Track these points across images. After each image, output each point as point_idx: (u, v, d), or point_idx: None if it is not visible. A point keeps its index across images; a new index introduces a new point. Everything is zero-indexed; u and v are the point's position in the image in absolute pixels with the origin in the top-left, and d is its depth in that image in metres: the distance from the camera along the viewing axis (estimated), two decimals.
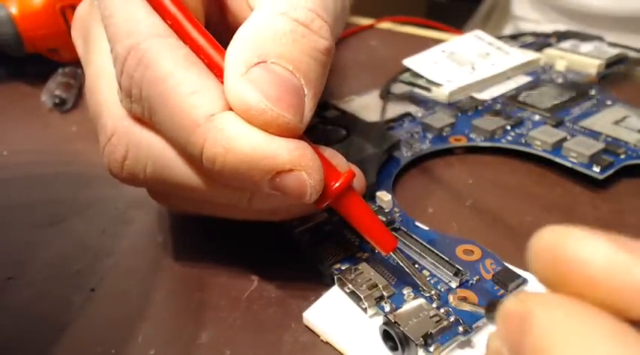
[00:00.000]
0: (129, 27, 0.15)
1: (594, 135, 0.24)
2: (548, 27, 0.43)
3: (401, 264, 0.17)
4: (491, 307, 0.13)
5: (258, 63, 0.14)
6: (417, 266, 0.18)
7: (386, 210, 0.21)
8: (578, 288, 0.09)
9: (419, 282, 0.17)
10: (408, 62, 0.32)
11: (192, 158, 0.15)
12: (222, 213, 0.18)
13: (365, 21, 0.46)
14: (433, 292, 0.16)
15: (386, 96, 0.29)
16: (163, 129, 0.16)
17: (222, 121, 0.14)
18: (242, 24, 0.15)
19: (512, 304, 0.10)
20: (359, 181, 0.18)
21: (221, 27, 0.20)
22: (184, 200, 0.18)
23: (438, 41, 0.35)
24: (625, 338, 0.08)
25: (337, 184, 0.16)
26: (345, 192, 0.16)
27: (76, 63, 0.37)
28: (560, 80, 0.31)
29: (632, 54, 0.33)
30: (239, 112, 0.14)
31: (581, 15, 0.45)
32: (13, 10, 0.33)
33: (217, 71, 0.15)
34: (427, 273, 0.17)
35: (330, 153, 0.17)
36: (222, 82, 0.15)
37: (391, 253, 0.17)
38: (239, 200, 0.17)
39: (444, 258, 0.18)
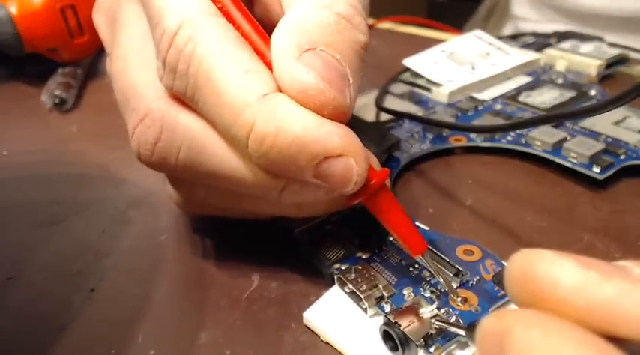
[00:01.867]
0: (179, 2, 0.15)
1: (594, 135, 0.24)
2: (547, 27, 0.43)
3: (429, 268, 0.17)
4: (471, 327, 0.14)
5: (309, 49, 0.14)
6: (417, 265, 0.18)
7: None
8: (550, 308, 0.09)
9: (447, 288, 0.16)
10: (408, 62, 0.32)
11: (235, 140, 0.15)
12: (247, 207, 0.18)
13: None
14: (459, 299, 0.16)
15: (381, 102, 0.29)
16: (207, 108, 0.15)
17: (275, 101, 0.14)
18: (272, 17, 0.16)
19: (491, 322, 0.10)
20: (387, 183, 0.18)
21: None
22: (210, 191, 0.18)
23: (438, 41, 0.35)
24: (601, 350, 0.08)
25: (375, 181, 0.16)
26: (381, 190, 0.16)
27: (76, 63, 0.37)
28: (560, 80, 0.31)
29: (632, 54, 0.33)
30: (294, 93, 0.14)
31: (579, 15, 0.45)
32: (13, 10, 0.33)
33: (263, 58, 0.15)
34: (427, 273, 0.17)
35: (367, 152, 0.17)
36: (269, 68, 0.15)
37: (420, 256, 0.17)
38: (272, 191, 0.16)
39: (444, 259, 0.18)
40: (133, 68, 0.17)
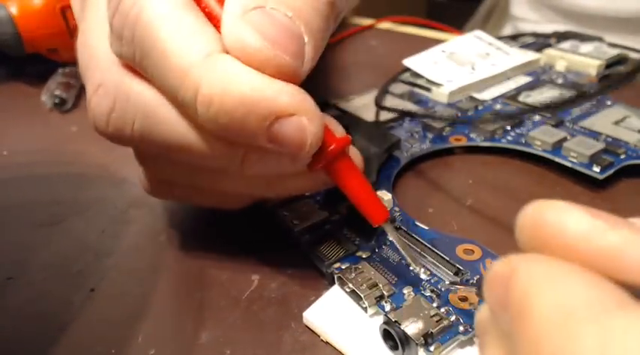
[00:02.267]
0: None
1: (594, 135, 0.24)
2: (546, 27, 0.43)
3: (391, 238, 0.17)
4: (481, 284, 0.13)
5: (257, 7, 0.14)
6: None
7: None
8: (557, 253, 0.10)
9: (410, 262, 0.16)
10: (408, 62, 0.32)
11: (185, 106, 0.15)
12: (214, 184, 0.17)
13: (365, 21, 0.46)
14: (422, 270, 0.16)
15: (381, 102, 0.29)
16: (155, 74, 0.15)
17: (220, 61, 0.14)
18: None
19: (498, 266, 0.10)
20: (356, 157, 0.17)
21: None
22: (175, 168, 0.17)
23: (438, 41, 0.35)
24: (600, 283, 0.09)
25: (333, 146, 0.15)
26: (340, 157, 0.16)
27: (76, 63, 0.37)
28: (560, 80, 0.31)
29: (632, 54, 0.33)
30: (236, 53, 0.14)
31: (578, 15, 0.45)
32: (13, 10, 0.33)
33: (216, 22, 0.15)
34: (428, 273, 0.17)
35: (328, 119, 0.16)
36: (220, 31, 0.14)
37: (383, 225, 0.16)
38: (231, 161, 0.16)
39: (444, 258, 0.18)
40: (93, 40, 0.17)
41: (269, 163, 0.16)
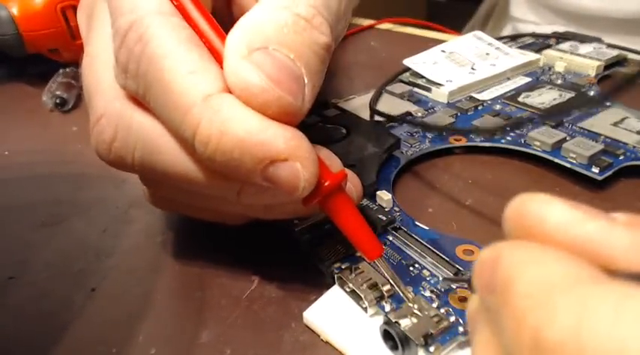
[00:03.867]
0: (133, 1, 0.15)
1: (593, 136, 0.24)
2: (545, 28, 0.43)
3: (383, 273, 0.17)
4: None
5: (260, 48, 0.14)
6: (416, 265, 0.18)
7: (386, 210, 0.21)
8: (539, 242, 0.11)
9: (401, 293, 0.16)
10: (409, 62, 0.32)
11: (185, 141, 0.15)
12: (213, 206, 0.18)
13: (365, 21, 0.46)
14: (416, 306, 0.16)
15: (376, 104, 0.29)
16: (157, 108, 0.15)
17: (219, 102, 0.14)
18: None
19: (485, 252, 0.11)
20: (355, 187, 0.18)
21: (227, 19, 0.19)
22: (174, 189, 0.18)
23: (438, 41, 0.35)
24: (576, 261, 0.10)
25: (327, 183, 0.15)
26: (335, 192, 0.16)
27: (77, 63, 0.37)
28: (559, 81, 0.31)
29: (630, 55, 0.33)
30: (238, 92, 0.14)
31: (577, 16, 0.45)
32: (14, 10, 0.33)
33: (218, 57, 0.15)
34: (427, 273, 0.18)
35: (325, 153, 0.17)
36: (222, 67, 0.15)
37: (375, 261, 0.16)
38: (228, 192, 0.16)
39: (444, 258, 0.18)
40: (99, 67, 0.17)
41: (265, 196, 0.16)
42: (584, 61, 0.31)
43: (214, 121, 0.14)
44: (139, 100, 0.16)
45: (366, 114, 0.27)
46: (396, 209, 0.21)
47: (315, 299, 0.17)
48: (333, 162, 0.17)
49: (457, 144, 0.26)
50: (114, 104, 0.16)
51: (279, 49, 0.14)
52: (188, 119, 0.14)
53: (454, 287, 0.17)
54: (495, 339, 0.11)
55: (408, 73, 0.32)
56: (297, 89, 0.14)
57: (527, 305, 0.09)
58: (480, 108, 0.28)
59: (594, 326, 0.08)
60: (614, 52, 0.32)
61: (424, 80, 0.30)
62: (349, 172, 0.17)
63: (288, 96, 0.14)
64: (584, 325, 0.08)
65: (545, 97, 0.28)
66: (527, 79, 0.31)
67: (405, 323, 0.15)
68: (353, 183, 0.18)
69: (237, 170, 0.15)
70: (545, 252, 0.10)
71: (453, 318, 0.16)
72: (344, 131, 0.25)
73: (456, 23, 0.48)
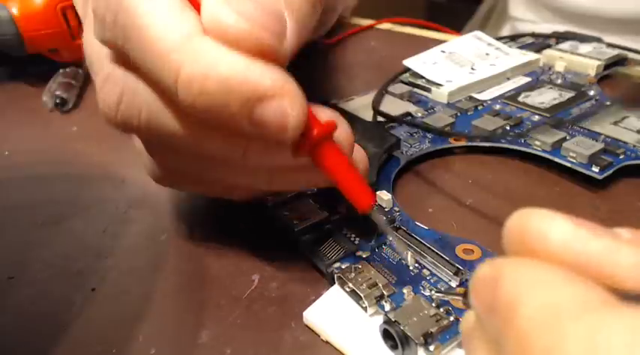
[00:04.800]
0: None
1: (593, 135, 0.24)
2: (544, 27, 0.43)
3: (378, 226, 0.16)
4: (467, 293, 0.14)
5: None
6: (416, 265, 0.18)
7: (386, 210, 0.21)
8: (541, 260, 0.10)
9: (397, 246, 0.16)
10: (408, 62, 0.32)
11: (167, 91, 0.15)
12: (220, 174, 0.18)
13: (365, 22, 0.46)
14: (410, 257, 0.16)
15: (379, 103, 0.29)
16: (137, 59, 0.15)
17: (200, 43, 0.14)
18: None
19: (484, 269, 0.11)
20: (346, 136, 0.17)
21: None
22: (180, 156, 0.17)
23: (437, 42, 0.35)
24: (584, 283, 0.09)
25: (317, 131, 0.15)
26: (324, 141, 0.15)
27: (77, 63, 0.37)
28: (559, 81, 0.31)
29: (630, 55, 0.33)
30: (213, 32, 0.14)
31: (575, 15, 0.45)
32: (14, 10, 0.33)
33: (197, 6, 0.15)
34: (427, 272, 0.18)
35: (314, 105, 0.16)
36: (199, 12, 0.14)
37: (370, 215, 0.16)
38: (233, 151, 0.16)
39: (444, 258, 0.18)
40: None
41: (271, 154, 0.16)
42: (584, 60, 0.31)
43: (196, 63, 0.13)
44: (120, 56, 0.16)
45: (366, 115, 0.27)
46: (396, 209, 0.21)
47: (315, 299, 0.17)
48: (323, 114, 0.16)
49: (457, 144, 0.26)
50: (119, 67, 0.16)
51: None
52: (169, 65, 0.14)
53: (454, 286, 0.17)
54: None
55: (407, 74, 0.32)
56: (277, 27, 0.14)
57: (533, 329, 0.09)
58: (479, 108, 0.28)
59: (608, 352, 0.08)
60: (614, 52, 0.32)
61: (424, 80, 0.30)
62: (342, 122, 0.17)
63: (264, 34, 0.14)
64: (597, 351, 0.08)
65: (545, 97, 0.28)
66: (527, 79, 0.31)
67: (405, 322, 0.15)
68: (343, 135, 0.17)
69: (221, 115, 0.14)
70: (551, 272, 0.10)
71: (452, 317, 0.16)
72: None
73: (456, 23, 0.48)
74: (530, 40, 0.37)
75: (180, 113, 0.15)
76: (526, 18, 0.50)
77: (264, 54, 0.14)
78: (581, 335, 0.08)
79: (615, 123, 0.25)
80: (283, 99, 0.14)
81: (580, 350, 0.08)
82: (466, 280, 0.17)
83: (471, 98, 0.29)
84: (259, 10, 0.14)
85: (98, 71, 0.17)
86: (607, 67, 0.32)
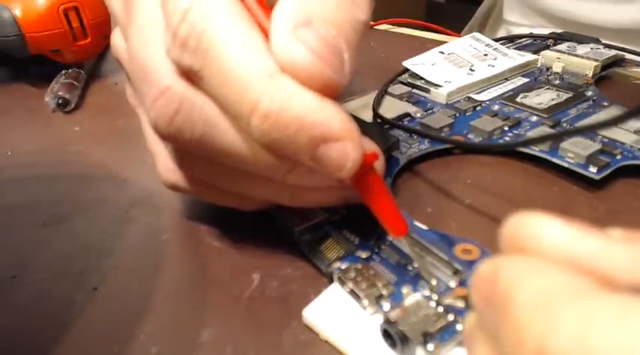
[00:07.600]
0: None
1: (591, 135, 0.25)
2: (539, 31, 0.43)
3: (409, 251, 0.17)
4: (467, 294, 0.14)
5: (305, 23, 0.15)
6: (416, 265, 0.18)
7: None
8: None
9: (422, 272, 0.17)
10: (408, 63, 0.32)
11: (238, 118, 0.15)
12: (243, 188, 0.18)
13: None
14: (435, 282, 0.16)
15: (379, 104, 0.29)
16: (212, 84, 0.15)
17: (281, 81, 0.15)
18: None
19: (484, 266, 0.11)
20: (380, 164, 0.18)
21: None
22: (211, 168, 0.18)
23: (436, 43, 0.35)
24: (576, 273, 0.10)
25: (365, 162, 0.16)
26: (368, 171, 0.16)
27: (79, 64, 0.37)
28: (556, 81, 0.31)
29: (627, 56, 0.33)
30: (285, 66, 0.15)
31: (570, 24, 0.45)
32: (17, 11, 0.33)
33: (264, 32, 0.16)
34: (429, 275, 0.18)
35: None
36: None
37: (402, 239, 0.17)
38: (279, 171, 0.17)
39: (442, 258, 0.18)
40: (153, 42, 0.17)
41: (314, 176, 0.17)
42: (581, 61, 0.32)
43: (276, 98, 0.14)
44: (191, 76, 0.16)
45: (366, 115, 0.28)
46: None
47: (315, 298, 0.18)
48: (366, 143, 0.17)
49: (456, 144, 0.26)
50: (178, 79, 0.16)
51: (322, 25, 0.15)
52: (248, 96, 0.15)
53: (453, 285, 0.17)
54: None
55: (406, 74, 0.32)
56: (339, 65, 0.15)
57: (529, 316, 0.09)
58: (478, 108, 0.28)
59: (600, 334, 0.08)
60: (612, 53, 0.33)
61: (423, 81, 0.31)
62: (379, 151, 0.18)
63: (331, 72, 0.15)
64: (590, 334, 0.08)
65: (543, 97, 0.29)
66: (525, 80, 0.31)
67: (404, 322, 0.15)
68: (381, 163, 0.18)
69: (287, 147, 0.15)
70: (544, 263, 0.10)
71: (451, 317, 0.16)
72: None
73: (455, 24, 0.48)
74: (528, 41, 0.37)
75: (240, 135, 0.16)
76: (520, 23, 0.50)
77: (327, 90, 0.15)
78: (574, 316, 0.08)
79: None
80: (346, 143, 0.15)
81: (574, 331, 0.08)
82: (465, 280, 0.17)
83: (469, 99, 0.29)
84: (326, 47, 0.15)
85: (154, 81, 0.17)
86: (604, 67, 0.32)
